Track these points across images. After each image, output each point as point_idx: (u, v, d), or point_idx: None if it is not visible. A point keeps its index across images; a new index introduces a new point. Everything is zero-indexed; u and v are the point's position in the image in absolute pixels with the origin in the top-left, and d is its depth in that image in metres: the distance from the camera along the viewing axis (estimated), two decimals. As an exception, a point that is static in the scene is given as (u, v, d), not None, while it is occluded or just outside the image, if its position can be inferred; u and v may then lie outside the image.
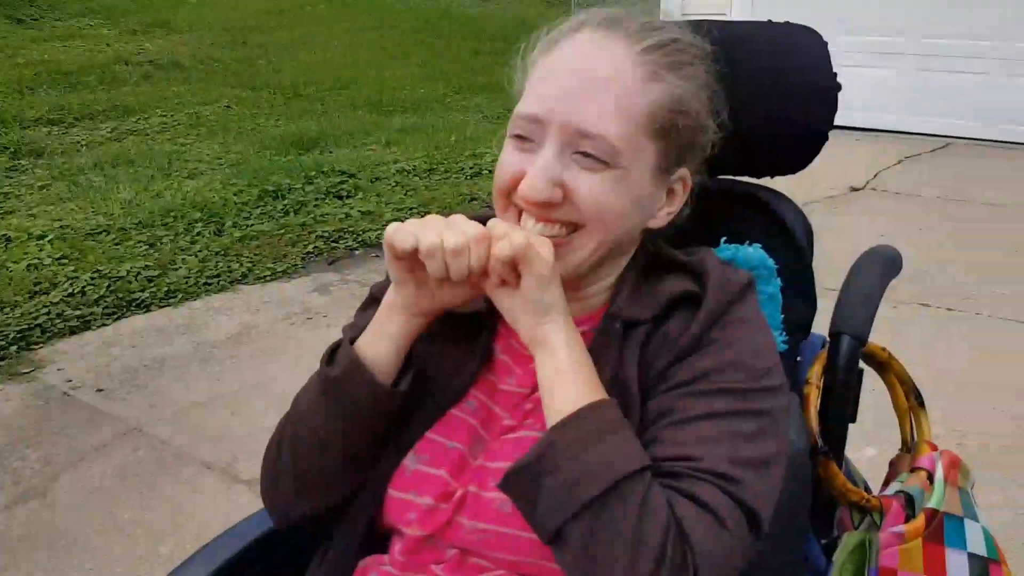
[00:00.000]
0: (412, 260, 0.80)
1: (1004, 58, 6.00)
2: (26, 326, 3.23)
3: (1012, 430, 2.47)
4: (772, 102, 1.06)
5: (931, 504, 1.12)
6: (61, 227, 4.12)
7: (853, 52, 6.03)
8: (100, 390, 2.85)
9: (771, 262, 1.05)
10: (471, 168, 5.37)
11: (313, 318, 3.41)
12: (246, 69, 7.85)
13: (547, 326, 0.80)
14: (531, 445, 0.77)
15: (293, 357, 3.04)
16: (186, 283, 3.65)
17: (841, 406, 1.11)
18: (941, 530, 1.11)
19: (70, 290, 3.50)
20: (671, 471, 0.76)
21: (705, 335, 0.83)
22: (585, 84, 0.83)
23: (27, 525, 2.20)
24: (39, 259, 3.74)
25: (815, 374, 1.10)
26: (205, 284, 3.68)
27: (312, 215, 4.45)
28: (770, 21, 1.12)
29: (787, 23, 1.12)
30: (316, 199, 4.66)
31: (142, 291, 3.55)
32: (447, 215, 0.82)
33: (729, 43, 0.96)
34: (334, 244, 4.15)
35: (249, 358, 3.08)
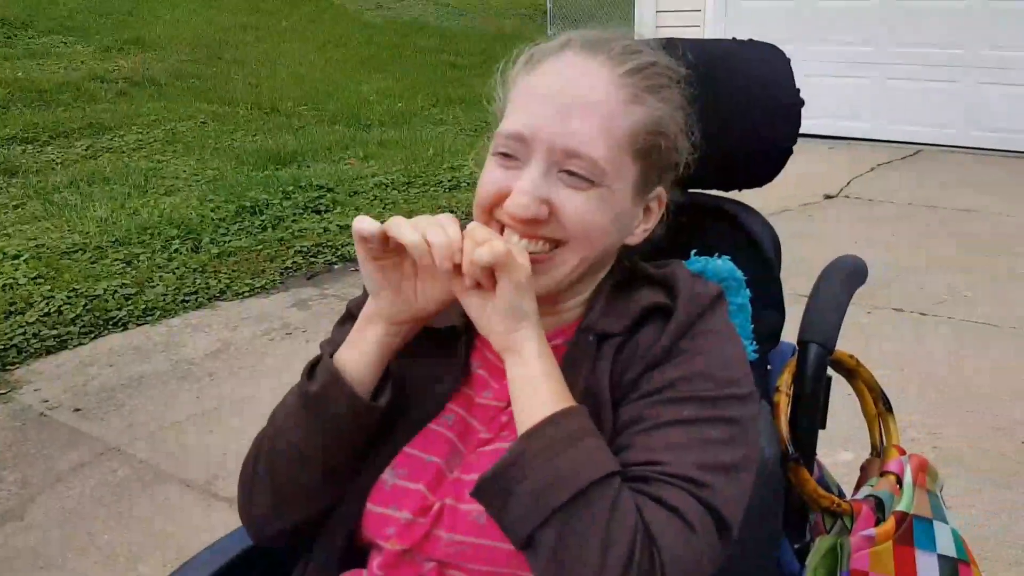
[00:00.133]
0: (382, 249, 0.82)
1: (972, 66, 6.12)
2: (1, 347, 3.20)
3: (987, 433, 2.50)
4: (738, 119, 1.09)
5: (900, 507, 1.15)
6: (36, 246, 4.09)
7: (826, 62, 6.13)
8: (77, 410, 2.83)
9: (740, 274, 1.07)
10: (449, 181, 5.40)
11: (292, 333, 3.41)
12: (222, 85, 7.83)
13: (521, 333, 0.81)
14: None
15: (273, 373, 3.03)
16: (164, 300, 3.64)
17: (810, 413, 1.13)
18: (911, 532, 1.14)
19: (46, 309, 3.47)
20: (640, 475, 0.78)
21: (675, 346, 0.85)
22: (571, 105, 0.85)
23: (4, 548, 2.18)
24: (14, 279, 3.71)
25: (785, 382, 1.12)
26: (183, 301, 3.67)
27: (290, 230, 4.45)
28: (735, 39, 1.15)
29: (751, 41, 1.15)
30: (294, 214, 4.66)
31: (119, 309, 3.53)
32: None
33: (699, 62, 0.99)
34: (312, 259, 4.15)
35: (228, 375, 3.07)
